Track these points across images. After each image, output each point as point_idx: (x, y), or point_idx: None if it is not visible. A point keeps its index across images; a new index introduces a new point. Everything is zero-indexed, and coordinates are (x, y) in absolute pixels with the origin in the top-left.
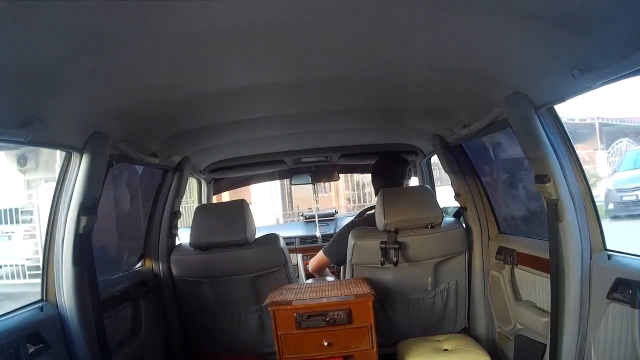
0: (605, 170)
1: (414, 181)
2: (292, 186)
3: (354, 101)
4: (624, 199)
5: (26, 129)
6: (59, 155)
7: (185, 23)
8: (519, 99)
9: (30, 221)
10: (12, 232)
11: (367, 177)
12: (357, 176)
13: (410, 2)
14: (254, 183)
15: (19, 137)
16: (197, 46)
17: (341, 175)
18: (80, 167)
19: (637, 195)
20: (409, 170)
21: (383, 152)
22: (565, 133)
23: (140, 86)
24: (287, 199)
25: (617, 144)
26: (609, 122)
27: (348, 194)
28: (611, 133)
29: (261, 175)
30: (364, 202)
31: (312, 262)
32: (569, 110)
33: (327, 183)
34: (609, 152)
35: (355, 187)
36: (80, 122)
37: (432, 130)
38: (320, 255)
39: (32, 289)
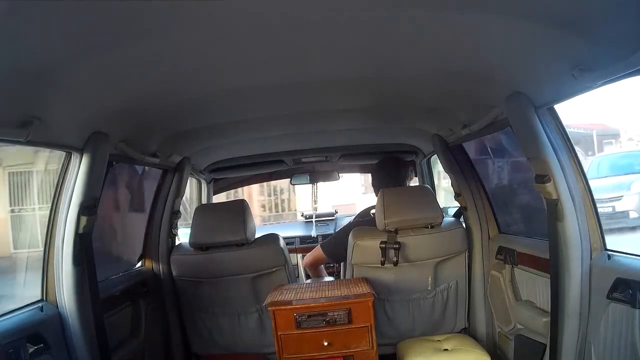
0: None
1: (414, 181)
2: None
3: (354, 101)
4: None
5: (26, 129)
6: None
7: (185, 23)
8: (519, 99)
9: None
10: None
11: (284, 183)
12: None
13: (411, 3)
14: (254, 183)
15: (19, 136)
16: (197, 46)
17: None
18: (80, 167)
19: (613, 207)
20: (410, 171)
21: (383, 152)
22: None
23: (141, 86)
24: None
25: None
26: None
27: (262, 200)
28: None
29: (261, 175)
30: (281, 210)
31: (308, 257)
32: None
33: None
34: None
35: (272, 193)
36: (80, 122)
37: (432, 130)
38: (317, 250)
39: None
